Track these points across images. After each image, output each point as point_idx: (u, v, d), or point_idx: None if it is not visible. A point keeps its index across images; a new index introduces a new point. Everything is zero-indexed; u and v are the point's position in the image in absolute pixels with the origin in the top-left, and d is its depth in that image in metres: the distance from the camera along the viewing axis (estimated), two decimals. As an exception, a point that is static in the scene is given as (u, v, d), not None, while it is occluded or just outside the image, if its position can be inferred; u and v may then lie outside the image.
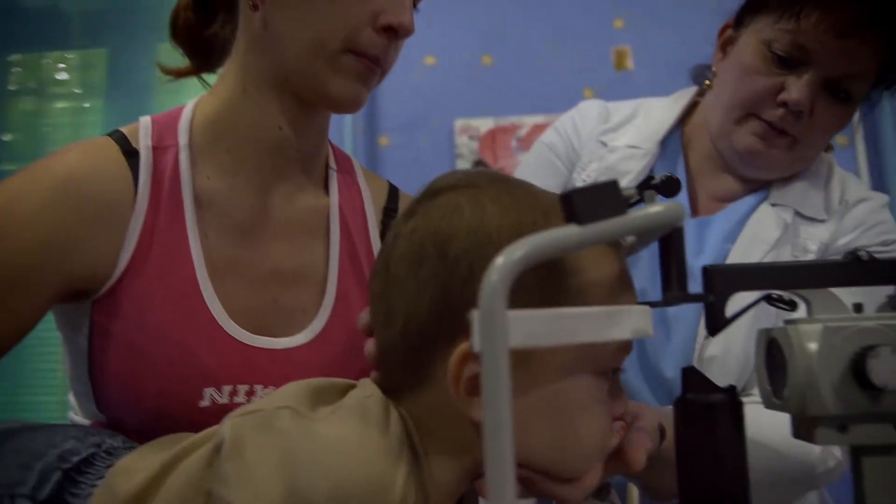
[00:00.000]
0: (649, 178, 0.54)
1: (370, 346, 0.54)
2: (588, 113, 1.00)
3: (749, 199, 0.90)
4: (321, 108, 0.73)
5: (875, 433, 0.48)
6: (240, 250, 0.70)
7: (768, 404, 0.53)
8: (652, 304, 0.52)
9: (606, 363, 0.51)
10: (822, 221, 0.87)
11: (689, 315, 0.85)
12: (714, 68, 0.93)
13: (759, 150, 0.85)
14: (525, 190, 0.53)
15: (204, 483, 0.49)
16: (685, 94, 1.00)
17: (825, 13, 0.78)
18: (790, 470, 0.74)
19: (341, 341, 0.71)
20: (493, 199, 0.50)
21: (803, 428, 0.51)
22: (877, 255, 0.51)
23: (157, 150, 0.69)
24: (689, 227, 0.90)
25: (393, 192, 0.83)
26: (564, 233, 0.39)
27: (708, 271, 0.51)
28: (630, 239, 0.54)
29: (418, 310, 0.49)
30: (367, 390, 0.52)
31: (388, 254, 0.53)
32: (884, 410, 0.47)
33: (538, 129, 2.13)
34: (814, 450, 0.75)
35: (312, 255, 0.74)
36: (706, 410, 0.52)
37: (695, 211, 0.92)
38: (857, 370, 0.46)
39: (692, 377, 0.53)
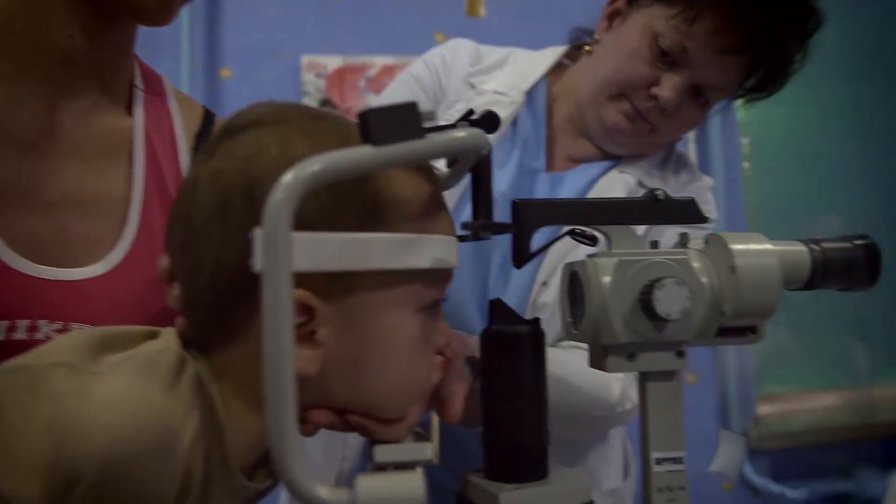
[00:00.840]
0: (469, 111, 0.54)
1: (176, 291, 0.50)
2: (460, 51, 1.00)
3: (601, 164, 0.95)
4: (123, 18, 0.65)
5: (659, 360, 0.52)
6: (20, 171, 0.62)
7: (569, 335, 0.55)
8: (461, 238, 0.52)
9: (428, 297, 0.50)
10: None
11: (530, 263, 0.87)
12: (596, 35, 0.95)
13: (624, 129, 0.90)
14: (340, 123, 0.51)
15: None
16: (553, 52, 1.02)
17: (717, 28, 0.83)
18: (590, 407, 0.81)
19: (144, 274, 0.65)
20: (304, 134, 0.47)
21: (597, 357, 0.53)
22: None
23: None
24: (543, 182, 0.94)
25: (208, 118, 0.77)
26: (358, 153, 0.37)
27: (516, 205, 0.52)
28: (444, 169, 0.54)
29: (228, 261, 0.46)
30: (165, 341, 0.49)
31: (189, 201, 0.48)
32: (667, 339, 0.50)
33: (388, 70, 2.09)
34: (612, 391, 0.81)
35: (112, 180, 0.67)
36: (510, 340, 0.53)
37: (550, 166, 0.96)
38: (645, 301, 0.49)
39: (499, 309, 0.54)
